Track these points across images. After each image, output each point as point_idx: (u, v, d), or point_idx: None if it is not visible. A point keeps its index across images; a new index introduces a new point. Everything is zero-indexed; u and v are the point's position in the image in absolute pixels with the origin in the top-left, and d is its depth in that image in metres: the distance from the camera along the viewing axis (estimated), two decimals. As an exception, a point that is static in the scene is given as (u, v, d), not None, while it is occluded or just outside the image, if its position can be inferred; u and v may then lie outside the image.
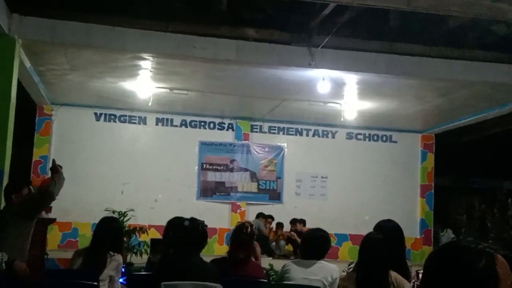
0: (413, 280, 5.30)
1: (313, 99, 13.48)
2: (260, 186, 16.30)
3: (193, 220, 5.00)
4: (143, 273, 5.61)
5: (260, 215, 15.41)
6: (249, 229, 5.25)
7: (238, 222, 5.40)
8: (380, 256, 4.11)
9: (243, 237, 5.23)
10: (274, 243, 15.29)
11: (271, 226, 15.56)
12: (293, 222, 15.10)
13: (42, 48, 10.53)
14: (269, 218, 15.53)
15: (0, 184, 9.18)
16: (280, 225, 15.54)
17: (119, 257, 5.28)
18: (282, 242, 15.17)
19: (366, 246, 4.23)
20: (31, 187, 6.07)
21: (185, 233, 4.84)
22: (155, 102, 13.77)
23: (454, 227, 18.62)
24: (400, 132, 16.90)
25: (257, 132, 16.41)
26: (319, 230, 5.33)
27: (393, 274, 4.11)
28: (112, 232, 5.44)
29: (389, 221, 4.87)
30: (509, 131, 15.79)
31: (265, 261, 10.16)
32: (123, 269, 5.80)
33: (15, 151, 9.91)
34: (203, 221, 5.04)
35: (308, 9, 10.23)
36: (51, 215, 12.82)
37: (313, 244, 5.10)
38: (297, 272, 4.77)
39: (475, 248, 1.80)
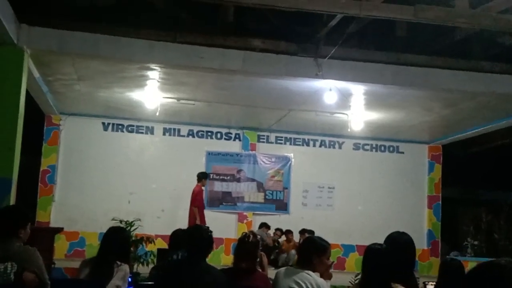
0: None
1: (320, 110, 13.49)
2: (267, 197, 16.28)
3: (197, 226, 5.01)
4: (150, 283, 5.58)
5: (263, 225, 15.38)
6: (251, 238, 5.24)
7: (243, 232, 5.38)
8: (383, 267, 4.08)
9: (245, 246, 5.23)
10: (285, 254, 15.18)
11: (283, 238, 15.54)
12: (302, 232, 15.06)
13: (50, 58, 10.60)
14: (278, 231, 15.54)
15: (8, 193, 9.23)
16: (290, 232, 15.50)
17: (126, 267, 5.25)
18: (293, 252, 14.99)
19: (369, 257, 4.21)
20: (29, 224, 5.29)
21: (191, 240, 4.83)
22: (162, 112, 13.83)
23: (461, 238, 18.55)
24: (407, 143, 16.86)
25: (264, 142, 16.41)
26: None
27: None
28: (119, 242, 5.42)
29: (402, 233, 4.83)
30: (516, 142, 15.76)
31: (272, 272, 10.13)
32: (129, 279, 5.80)
33: (23, 160, 9.96)
34: (208, 227, 5.03)
35: (315, 20, 10.27)
36: (58, 225, 12.88)
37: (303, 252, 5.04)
38: (284, 281, 4.73)
39: None
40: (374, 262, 4.12)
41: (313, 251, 4.82)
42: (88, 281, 5.11)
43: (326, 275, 4.91)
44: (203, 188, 13.73)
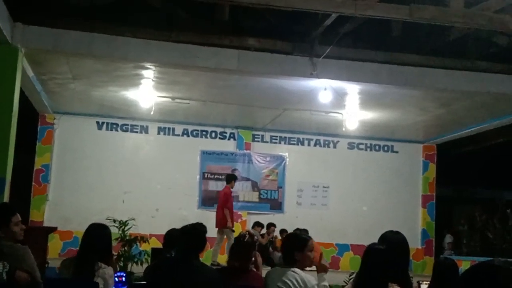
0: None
1: (314, 109, 13.49)
2: (261, 196, 16.28)
3: (193, 225, 4.92)
4: (144, 282, 5.52)
5: (255, 224, 15.36)
6: (246, 238, 5.25)
7: (241, 232, 5.41)
8: (381, 268, 4.07)
9: (240, 245, 5.25)
10: (279, 253, 15.13)
11: (275, 235, 15.51)
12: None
13: (44, 57, 10.57)
14: (271, 226, 15.49)
15: (1, 192, 9.20)
16: (284, 231, 15.47)
17: (109, 270, 4.95)
18: None
19: (368, 257, 4.19)
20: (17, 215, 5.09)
21: (186, 238, 4.78)
22: (157, 111, 13.80)
23: (455, 238, 18.59)
24: (401, 142, 16.89)
25: (258, 141, 16.40)
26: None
27: None
28: (102, 238, 5.13)
29: (396, 233, 4.82)
30: (510, 142, 15.79)
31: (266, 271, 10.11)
32: (123, 279, 5.74)
33: (17, 159, 9.92)
34: (200, 223, 4.94)
35: (310, 19, 10.27)
36: (52, 224, 12.83)
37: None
38: (273, 282, 4.73)
39: (509, 268, 1.85)
40: (375, 262, 4.11)
41: (293, 247, 4.82)
42: (81, 281, 4.99)
43: (321, 268, 4.91)
44: (231, 189, 13.70)
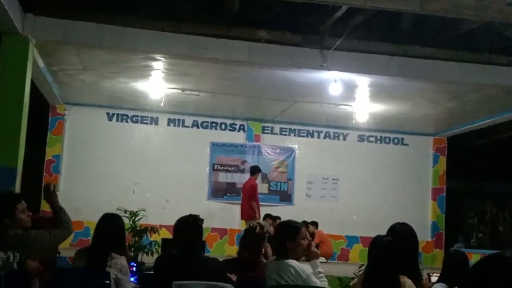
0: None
1: (324, 101, 13.47)
2: (271, 188, 16.29)
3: (184, 218, 4.86)
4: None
5: (267, 216, 15.38)
6: (257, 230, 5.26)
7: (251, 223, 5.39)
8: (388, 260, 4.06)
9: (251, 237, 5.26)
10: None
11: None
12: (305, 224, 15.07)
13: (55, 48, 10.61)
14: (277, 219, 15.48)
15: (13, 182, 9.25)
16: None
17: (122, 260, 4.97)
18: None
19: (374, 249, 4.19)
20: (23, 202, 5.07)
21: (186, 229, 4.77)
22: (167, 102, 13.83)
23: (465, 231, 18.56)
24: (412, 135, 16.85)
25: (268, 133, 16.40)
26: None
27: (408, 282, 4.05)
28: (115, 228, 5.16)
29: (403, 224, 4.83)
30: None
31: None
32: (134, 269, 5.76)
33: (28, 150, 9.98)
34: (194, 215, 4.88)
35: (321, 11, 10.24)
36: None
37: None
38: (270, 275, 4.72)
39: None
40: (380, 254, 4.11)
41: (285, 236, 4.78)
42: (93, 270, 4.99)
43: (312, 255, 4.88)
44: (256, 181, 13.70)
